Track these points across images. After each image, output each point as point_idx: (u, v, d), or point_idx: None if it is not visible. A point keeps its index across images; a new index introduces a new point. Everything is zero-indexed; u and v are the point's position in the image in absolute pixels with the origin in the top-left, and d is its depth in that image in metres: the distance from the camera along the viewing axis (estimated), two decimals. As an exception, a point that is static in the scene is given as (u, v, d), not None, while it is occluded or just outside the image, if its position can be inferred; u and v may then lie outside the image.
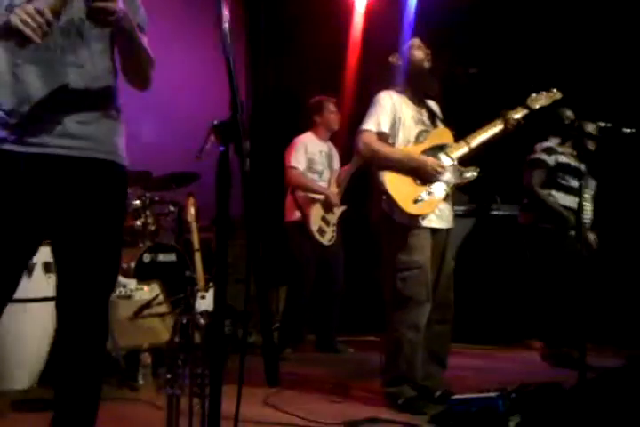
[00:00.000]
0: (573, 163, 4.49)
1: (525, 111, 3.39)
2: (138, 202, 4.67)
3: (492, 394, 2.71)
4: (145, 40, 2.02)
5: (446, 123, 3.44)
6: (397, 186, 3.18)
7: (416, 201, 3.16)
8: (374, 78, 3.55)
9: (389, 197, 3.16)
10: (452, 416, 2.78)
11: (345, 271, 4.84)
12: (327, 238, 4.62)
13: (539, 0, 5.29)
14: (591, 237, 4.50)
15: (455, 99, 3.61)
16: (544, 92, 3.49)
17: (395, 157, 3.22)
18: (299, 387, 3.52)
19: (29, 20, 1.67)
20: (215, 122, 1.89)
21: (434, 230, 3.24)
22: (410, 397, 3.10)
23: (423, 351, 3.22)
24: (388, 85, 3.37)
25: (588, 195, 4.52)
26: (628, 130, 4.04)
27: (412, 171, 3.19)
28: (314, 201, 4.60)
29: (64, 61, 1.92)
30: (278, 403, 3.13)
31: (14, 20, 1.68)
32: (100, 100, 1.99)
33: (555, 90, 3.53)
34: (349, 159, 4.66)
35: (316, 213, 4.60)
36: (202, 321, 2.75)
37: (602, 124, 3.85)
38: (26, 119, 1.88)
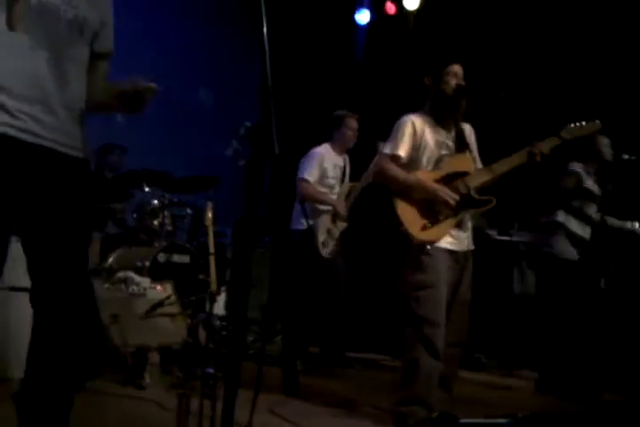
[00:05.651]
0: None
1: (557, 142, 3.24)
2: (156, 202, 4.69)
3: (502, 420, 2.68)
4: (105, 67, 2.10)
5: (481, 149, 3.39)
6: (406, 212, 3.16)
7: (424, 228, 3.15)
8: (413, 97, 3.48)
9: (400, 222, 3.15)
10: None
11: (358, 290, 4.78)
12: (328, 251, 4.57)
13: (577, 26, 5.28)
14: None
15: (485, 124, 3.57)
16: (583, 123, 3.28)
17: (407, 183, 3.19)
18: (305, 398, 3.48)
19: None
20: (248, 125, 1.89)
21: (450, 252, 3.21)
22: (421, 418, 3.04)
23: None
24: (417, 107, 3.33)
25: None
26: (627, 156, 4.04)
27: (422, 198, 3.17)
28: (322, 212, 4.58)
29: (67, 54, 1.93)
30: (283, 413, 3.09)
31: None
32: (80, 99, 2.00)
33: (597, 121, 3.32)
34: (359, 176, 4.61)
35: (323, 224, 4.56)
36: (217, 323, 2.75)
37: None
38: (29, 107, 1.85)
